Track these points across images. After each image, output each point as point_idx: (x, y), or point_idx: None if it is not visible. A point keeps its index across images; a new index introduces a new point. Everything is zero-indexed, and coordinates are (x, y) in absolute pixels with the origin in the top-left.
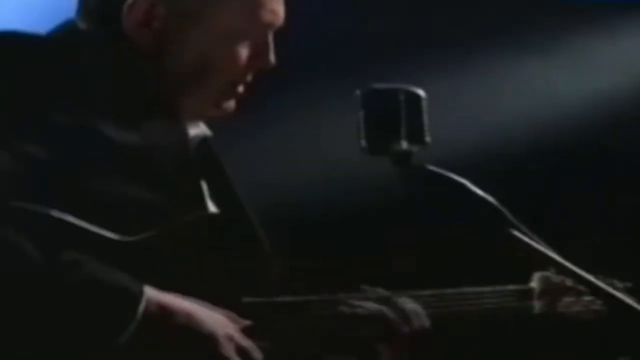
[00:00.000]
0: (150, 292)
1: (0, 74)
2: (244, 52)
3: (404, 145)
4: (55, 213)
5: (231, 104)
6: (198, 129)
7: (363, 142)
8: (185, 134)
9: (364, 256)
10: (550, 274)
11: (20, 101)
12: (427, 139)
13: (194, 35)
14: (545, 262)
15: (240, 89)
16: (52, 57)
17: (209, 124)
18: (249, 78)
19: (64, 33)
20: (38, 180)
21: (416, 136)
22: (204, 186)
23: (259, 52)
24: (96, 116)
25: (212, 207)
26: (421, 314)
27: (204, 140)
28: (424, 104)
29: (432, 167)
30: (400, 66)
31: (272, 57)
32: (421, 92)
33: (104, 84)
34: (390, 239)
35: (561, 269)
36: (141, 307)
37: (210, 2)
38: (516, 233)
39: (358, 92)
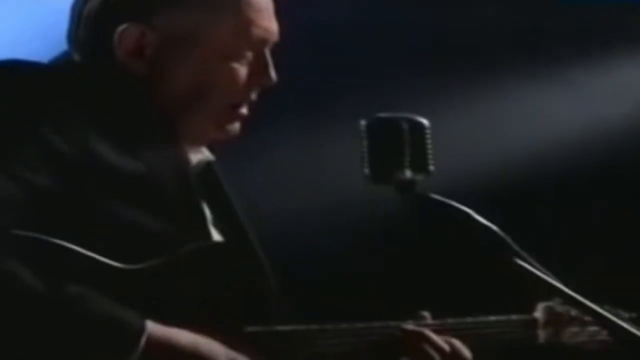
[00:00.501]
0: (152, 327)
1: (1, 102)
2: (242, 71)
3: (408, 174)
4: (58, 241)
5: (236, 126)
6: (201, 155)
7: (367, 171)
8: (185, 160)
9: (367, 283)
10: (554, 304)
11: (22, 130)
12: (431, 167)
13: (188, 58)
14: (550, 291)
15: (244, 110)
16: (52, 86)
17: (212, 151)
18: (253, 97)
19: (62, 63)
20: (40, 208)
21: (420, 165)
22: (208, 213)
23: (258, 70)
24: (97, 145)
25: (215, 235)
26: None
27: (207, 165)
28: (428, 132)
29: (436, 196)
30: (403, 94)
31: (272, 74)
32: (425, 121)
33: (102, 114)
34: (393, 267)
35: (565, 298)
36: (142, 342)
37: (200, 25)
38: (520, 262)
39: (362, 121)
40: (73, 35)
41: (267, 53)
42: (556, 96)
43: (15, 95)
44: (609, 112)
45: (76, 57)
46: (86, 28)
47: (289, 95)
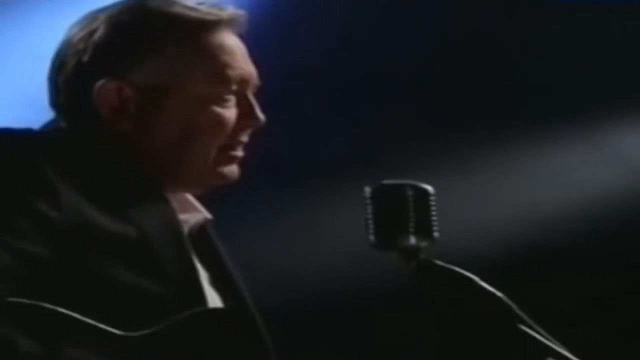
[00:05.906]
0: None
1: None
2: (226, 114)
3: (412, 240)
4: (54, 307)
5: (233, 169)
6: (199, 214)
7: (371, 237)
8: (177, 221)
9: (368, 350)
10: None
11: (12, 199)
12: (436, 234)
13: (169, 109)
14: (553, 357)
15: (239, 152)
16: (41, 153)
17: (209, 211)
18: (244, 139)
19: (50, 129)
20: (34, 277)
21: (424, 231)
22: (203, 274)
23: (244, 112)
24: (88, 209)
25: (211, 296)
26: None
27: (202, 226)
28: (433, 199)
29: (440, 262)
30: (407, 161)
31: (259, 115)
32: (429, 188)
33: (91, 177)
34: (396, 332)
35: None
36: None
37: (176, 74)
38: (524, 328)
39: (367, 187)
40: (54, 103)
41: (250, 95)
42: (560, 163)
43: (3, 165)
44: (610, 179)
45: (62, 123)
46: (65, 94)
47: (293, 160)
